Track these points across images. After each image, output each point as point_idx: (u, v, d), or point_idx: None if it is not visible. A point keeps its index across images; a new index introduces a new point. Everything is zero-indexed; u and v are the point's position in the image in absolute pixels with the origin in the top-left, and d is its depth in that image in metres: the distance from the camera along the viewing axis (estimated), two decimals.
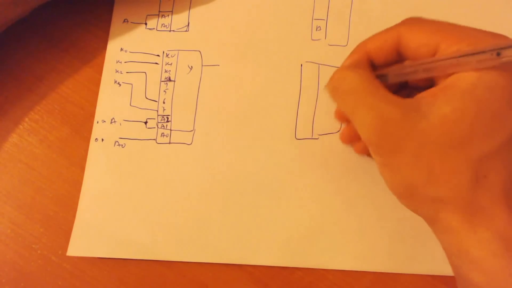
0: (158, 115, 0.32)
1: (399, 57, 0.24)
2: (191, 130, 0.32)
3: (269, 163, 0.31)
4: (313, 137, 0.31)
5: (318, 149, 0.31)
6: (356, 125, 0.23)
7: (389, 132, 0.21)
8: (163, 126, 0.32)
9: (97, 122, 0.33)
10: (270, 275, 0.30)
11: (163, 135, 0.32)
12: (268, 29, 0.33)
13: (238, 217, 0.31)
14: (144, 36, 0.34)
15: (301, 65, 0.33)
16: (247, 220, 0.30)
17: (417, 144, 0.20)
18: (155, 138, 0.32)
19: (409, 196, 0.22)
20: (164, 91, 0.33)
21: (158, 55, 0.33)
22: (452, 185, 0.20)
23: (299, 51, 0.33)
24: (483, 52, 0.19)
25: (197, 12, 0.34)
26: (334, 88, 0.24)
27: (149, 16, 0.34)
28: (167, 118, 0.32)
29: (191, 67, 0.33)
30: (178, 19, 0.34)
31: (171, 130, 0.32)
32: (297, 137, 0.32)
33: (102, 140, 0.32)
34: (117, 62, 0.33)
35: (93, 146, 0.32)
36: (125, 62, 0.33)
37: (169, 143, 0.32)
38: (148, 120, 0.32)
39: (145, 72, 0.33)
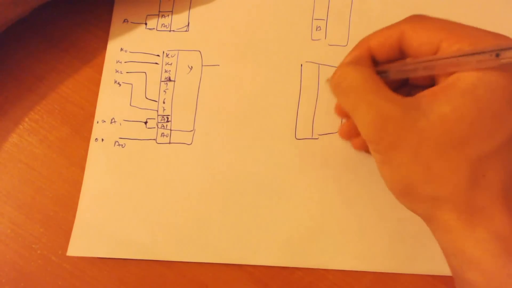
0: (158, 115, 0.32)
1: (401, 54, 0.24)
2: (191, 130, 0.32)
3: (269, 163, 0.31)
4: (313, 137, 0.31)
5: (318, 149, 0.31)
6: (356, 122, 0.23)
7: (389, 130, 0.21)
8: (163, 126, 0.32)
9: (97, 122, 0.33)
10: (270, 275, 0.30)
11: (163, 135, 0.32)
12: (268, 29, 0.33)
13: (238, 217, 0.31)
14: (144, 36, 0.34)
15: (301, 65, 0.33)
16: (247, 220, 0.30)
17: (417, 143, 0.20)
18: (155, 138, 0.32)
19: (407, 194, 0.22)
20: (164, 91, 0.33)
21: (158, 55, 0.33)
22: (450, 184, 0.20)
23: (299, 51, 0.33)
24: (483, 52, 0.19)
25: (197, 12, 0.34)
26: (336, 84, 0.24)
27: (149, 16, 0.34)
28: (167, 118, 0.32)
29: (191, 67, 0.33)
30: (178, 19, 0.34)
31: (171, 130, 0.32)
32: (297, 137, 0.32)
33: (102, 140, 0.32)
34: (117, 62, 0.34)
35: (93, 146, 0.32)
36: (125, 62, 0.33)
37: (169, 143, 0.32)
38: (148, 120, 0.32)
39: (145, 72, 0.33)
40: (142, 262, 0.31)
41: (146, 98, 0.33)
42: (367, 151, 0.30)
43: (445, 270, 0.29)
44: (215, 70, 0.33)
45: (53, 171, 0.32)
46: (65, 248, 0.31)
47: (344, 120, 0.31)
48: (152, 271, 0.31)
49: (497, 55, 0.18)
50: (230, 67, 0.33)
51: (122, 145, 0.32)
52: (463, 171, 0.20)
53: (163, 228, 0.31)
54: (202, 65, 0.33)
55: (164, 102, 0.33)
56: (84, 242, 0.31)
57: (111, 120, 0.33)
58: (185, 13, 0.34)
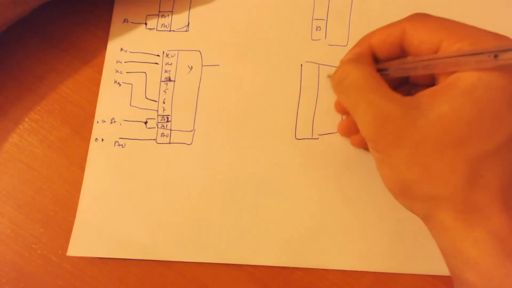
0: (158, 115, 0.32)
1: (402, 52, 0.24)
2: (191, 130, 0.32)
3: (269, 163, 0.31)
4: (313, 137, 0.31)
5: (318, 149, 0.31)
6: (356, 120, 0.23)
7: (389, 129, 0.21)
8: (163, 126, 0.32)
9: (97, 122, 0.33)
10: (270, 275, 0.30)
11: (163, 135, 0.32)
12: (268, 29, 0.33)
13: (238, 217, 0.31)
14: (144, 36, 0.34)
15: (301, 65, 0.33)
16: (247, 220, 0.30)
17: (416, 142, 0.20)
18: (155, 138, 0.32)
19: (405, 193, 0.22)
20: (164, 91, 0.33)
21: (158, 55, 0.33)
22: (448, 184, 0.20)
23: (299, 51, 0.33)
24: (482, 53, 0.19)
25: (197, 12, 0.34)
26: (337, 82, 0.24)
27: (149, 16, 0.34)
28: (167, 118, 0.32)
29: (191, 67, 0.33)
30: (178, 19, 0.34)
31: (171, 130, 0.32)
32: (297, 137, 0.32)
33: (102, 140, 0.32)
34: (117, 62, 0.34)
35: (93, 146, 0.32)
36: (125, 62, 0.33)
37: (169, 143, 0.32)
38: (148, 120, 0.32)
39: (145, 72, 0.33)
40: (142, 262, 0.31)
41: (146, 98, 0.33)
42: (365, 148, 0.31)
43: (445, 270, 0.29)
44: (215, 70, 0.33)
45: (53, 171, 0.32)
46: (65, 248, 0.31)
47: (344, 117, 0.31)
48: (152, 271, 0.31)
49: (496, 56, 0.18)
50: (230, 67, 0.33)
51: (122, 145, 0.32)
52: (462, 170, 0.20)
53: (163, 228, 0.31)
54: (202, 65, 0.33)
55: (164, 102, 0.33)
56: (84, 242, 0.31)
57: (111, 120, 0.33)
58: (185, 13, 0.34)
